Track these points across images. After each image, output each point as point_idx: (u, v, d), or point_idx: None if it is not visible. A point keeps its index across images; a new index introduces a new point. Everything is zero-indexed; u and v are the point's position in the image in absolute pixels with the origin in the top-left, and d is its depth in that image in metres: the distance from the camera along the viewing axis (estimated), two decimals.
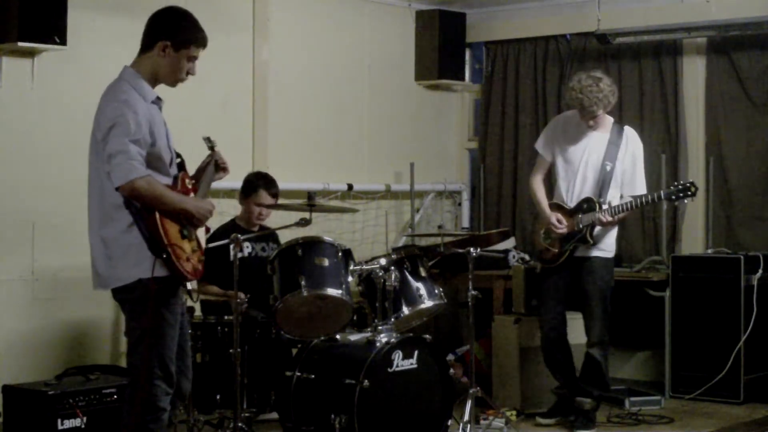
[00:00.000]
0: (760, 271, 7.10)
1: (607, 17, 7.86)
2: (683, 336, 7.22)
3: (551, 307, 6.24)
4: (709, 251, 7.46)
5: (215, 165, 4.59)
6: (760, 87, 7.55)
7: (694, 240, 7.79)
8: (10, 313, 6.10)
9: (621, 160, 6.10)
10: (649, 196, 6.08)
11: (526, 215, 8.22)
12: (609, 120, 6.20)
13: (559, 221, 6.13)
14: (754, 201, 7.59)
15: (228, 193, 6.67)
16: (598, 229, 6.07)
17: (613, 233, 6.22)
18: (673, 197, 6.06)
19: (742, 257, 7.09)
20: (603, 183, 6.08)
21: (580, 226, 6.07)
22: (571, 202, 6.17)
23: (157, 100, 4.35)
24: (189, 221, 4.29)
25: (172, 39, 4.30)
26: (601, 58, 8.07)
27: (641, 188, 6.16)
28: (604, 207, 6.03)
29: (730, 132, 7.67)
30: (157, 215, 4.15)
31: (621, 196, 6.13)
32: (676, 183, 6.16)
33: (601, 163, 6.10)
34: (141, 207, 4.16)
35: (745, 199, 7.62)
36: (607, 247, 6.18)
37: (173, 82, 4.38)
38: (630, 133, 6.19)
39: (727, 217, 7.67)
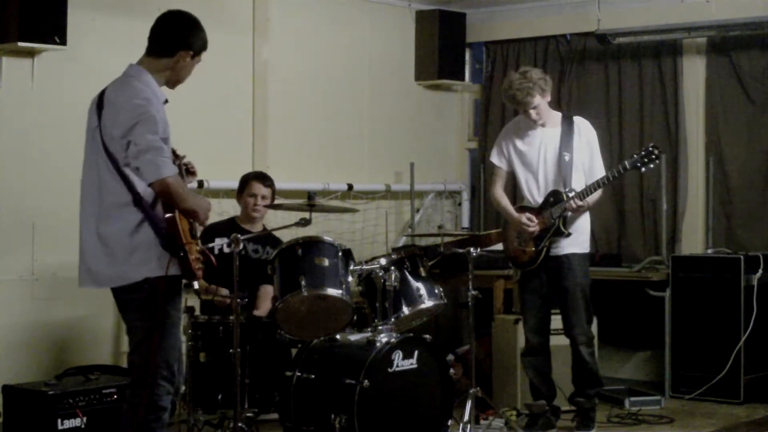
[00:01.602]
0: (760, 271, 7.10)
1: (607, 17, 7.87)
2: (683, 336, 7.22)
3: (535, 312, 6.19)
4: (709, 251, 7.46)
5: (186, 170, 4.61)
6: (760, 87, 7.55)
7: (694, 240, 7.79)
8: (10, 313, 6.10)
9: (577, 150, 6.05)
10: (614, 170, 5.99)
11: None
12: (557, 115, 6.16)
13: (529, 219, 6.10)
14: (754, 201, 7.59)
15: (228, 193, 6.67)
16: (569, 217, 6.01)
17: (587, 229, 6.15)
18: (639, 164, 5.96)
19: (742, 257, 7.09)
20: (565, 174, 6.02)
21: (553, 219, 6.02)
22: (538, 201, 6.13)
23: (165, 102, 4.38)
24: (195, 220, 4.31)
25: (194, 49, 4.39)
26: (601, 58, 8.08)
27: (601, 175, 6.06)
28: (571, 194, 5.99)
29: (730, 132, 7.67)
30: (177, 214, 4.17)
31: (586, 184, 6.08)
32: (639, 150, 6.05)
33: (558, 155, 6.04)
34: (162, 205, 4.17)
35: (745, 199, 7.62)
36: (582, 243, 6.13)
37: (176, 84, 4.45)
38: (580, 122, 6.14)
39: (727, 217, 7.67)
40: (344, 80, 7.93)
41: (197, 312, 5.84)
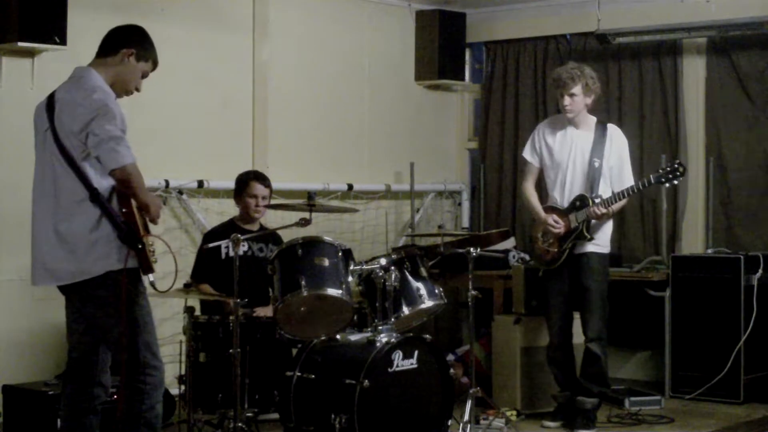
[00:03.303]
0: (760, 271, 7.11)
1: (607, 17, 7.87)
2: (683, 336, 7.22)
3: (557, 310, 6.27)
4: (709, 251, 7.46)
5: None
6: (760, 87, 7.56)
7: (694, 240, 7.80)
8: (10, 313, 6.10)
9: (607, 157, 6.15)
10: (640, 183, 6.11)
11: (526, 215, 8.21)
12: (592, 119, 6.25)
13: (555, 221, 6.16)
14: (754, 201, 7.59)
15: (228, 193, 6.66)
16: (593, 223, 6.10)
17: (608, 229, 6.24)
18: (663, 179, 6.08)
19: (742, 257, 7.09)
20: (593, 179, 6.12)
21: (576, 222, 6.10)
22: (564, 203, 6.20)
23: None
24: (147, 214, 4.38)
25: (137, 48, 4.47)
26: (601, 58, 8.08)
27: (629, 183, 6.19)
28: (597, 201, 6.05)
29: (730, 132, 7.68)
30: (134, 206, 4.23)
31: (612, 192, 6.15)
32: (664, 166, 6.20)
33: (588, 161, 6.14)
34: (119, 197, 4.26)
35: (745, 199, 7.62)
36: (602, 243, 6.21)
37: (123, 92, 4.50)
38: (613, 131, 6.24)
39: (727, 217, 7.67)
40: (344, 80, 7.93)
41: (197, 312, 5.83)
